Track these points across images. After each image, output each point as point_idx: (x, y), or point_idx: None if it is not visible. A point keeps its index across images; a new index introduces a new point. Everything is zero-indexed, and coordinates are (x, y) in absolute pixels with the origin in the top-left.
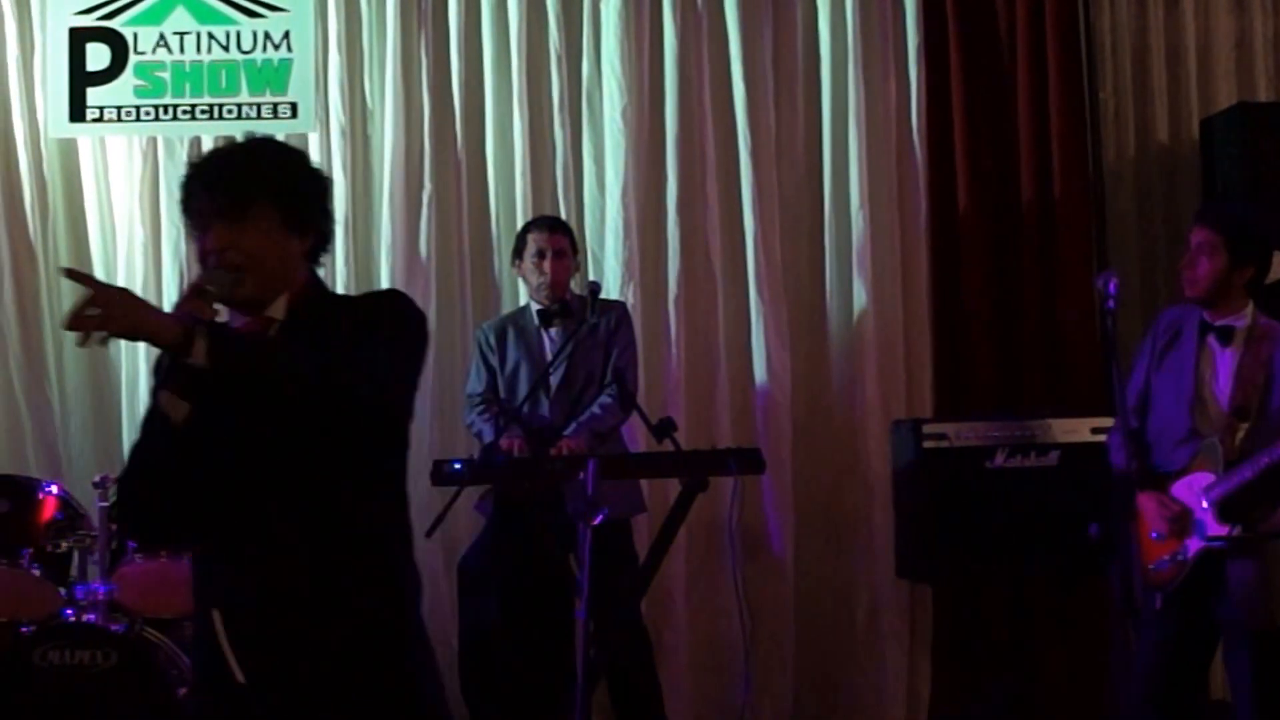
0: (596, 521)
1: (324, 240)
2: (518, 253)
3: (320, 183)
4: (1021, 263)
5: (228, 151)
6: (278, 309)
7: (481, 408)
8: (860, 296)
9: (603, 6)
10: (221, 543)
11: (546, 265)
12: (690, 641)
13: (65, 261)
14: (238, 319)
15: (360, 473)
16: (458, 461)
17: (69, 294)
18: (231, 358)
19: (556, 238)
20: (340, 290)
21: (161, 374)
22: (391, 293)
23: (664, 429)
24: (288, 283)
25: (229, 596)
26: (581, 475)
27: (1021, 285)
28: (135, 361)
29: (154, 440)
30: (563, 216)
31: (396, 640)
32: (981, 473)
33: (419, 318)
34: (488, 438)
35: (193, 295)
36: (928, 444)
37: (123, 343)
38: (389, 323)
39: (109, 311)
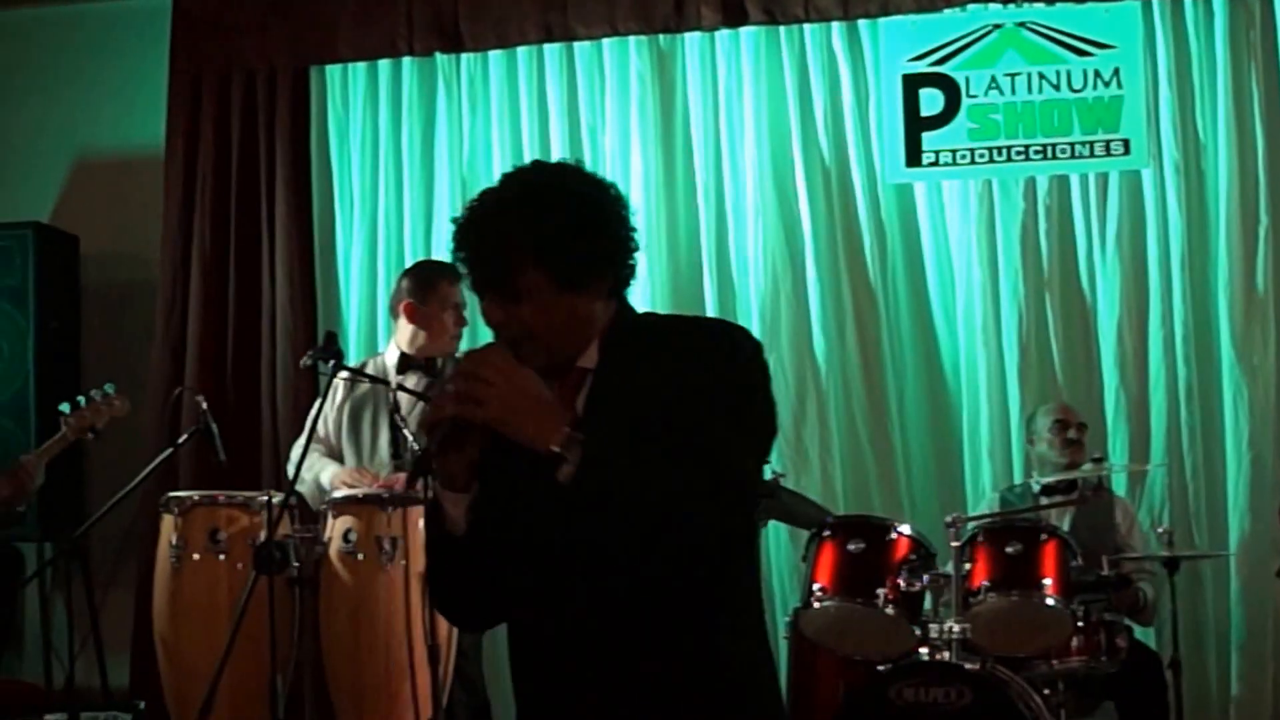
0: None
1: (625, 275)
2: None
3: (600, 225)
4: None
5: (484, 215)
6: (589, 357)
7: None
8: None
9: None
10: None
11: None
12: None
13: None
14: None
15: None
16: None
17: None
18: (597, 482)
19: None
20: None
21: (421, 469)
22: (727, 343)
23: None
24: (590, 333)
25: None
26: None
27: None
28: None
29: (437, 542)
30: None
31: None
32: None
33: (762, 368)
34: None
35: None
36: None
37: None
38: (739, 397)
39: (495, 393)
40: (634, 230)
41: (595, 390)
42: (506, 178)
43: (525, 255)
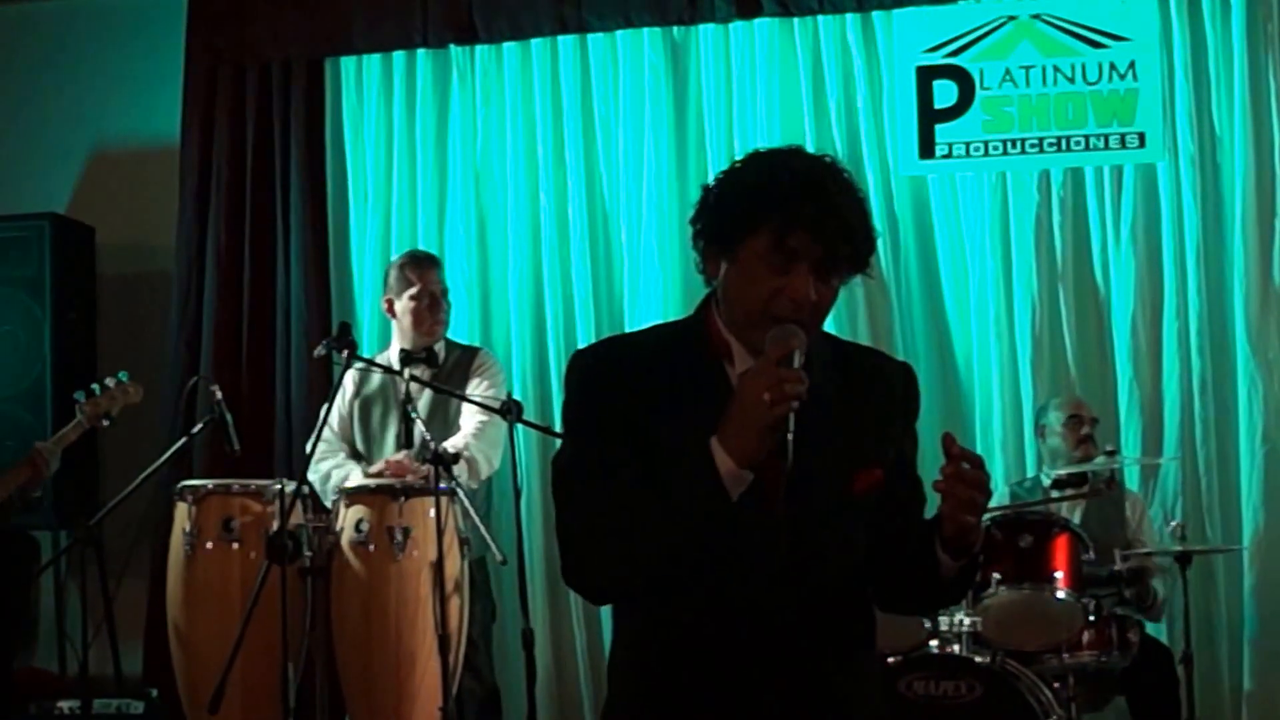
0: None
1: None
2: None
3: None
4: None
5: (848, 204)
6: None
7: None
8: None
9: None
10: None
11: None
12: None
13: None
14: (748, 358)
15: None
16: None
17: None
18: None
19: None
20: None
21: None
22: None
23: None
24: None
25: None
26: None
27: None
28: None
29: (707, 511)
30: None
31: None
32: None
33: None
34: None
35: (785, 365)
36: None
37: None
38: None
39: (966, 498)
40: None
41: (807, 404)
42: (816, 157)
43: (866, 257)
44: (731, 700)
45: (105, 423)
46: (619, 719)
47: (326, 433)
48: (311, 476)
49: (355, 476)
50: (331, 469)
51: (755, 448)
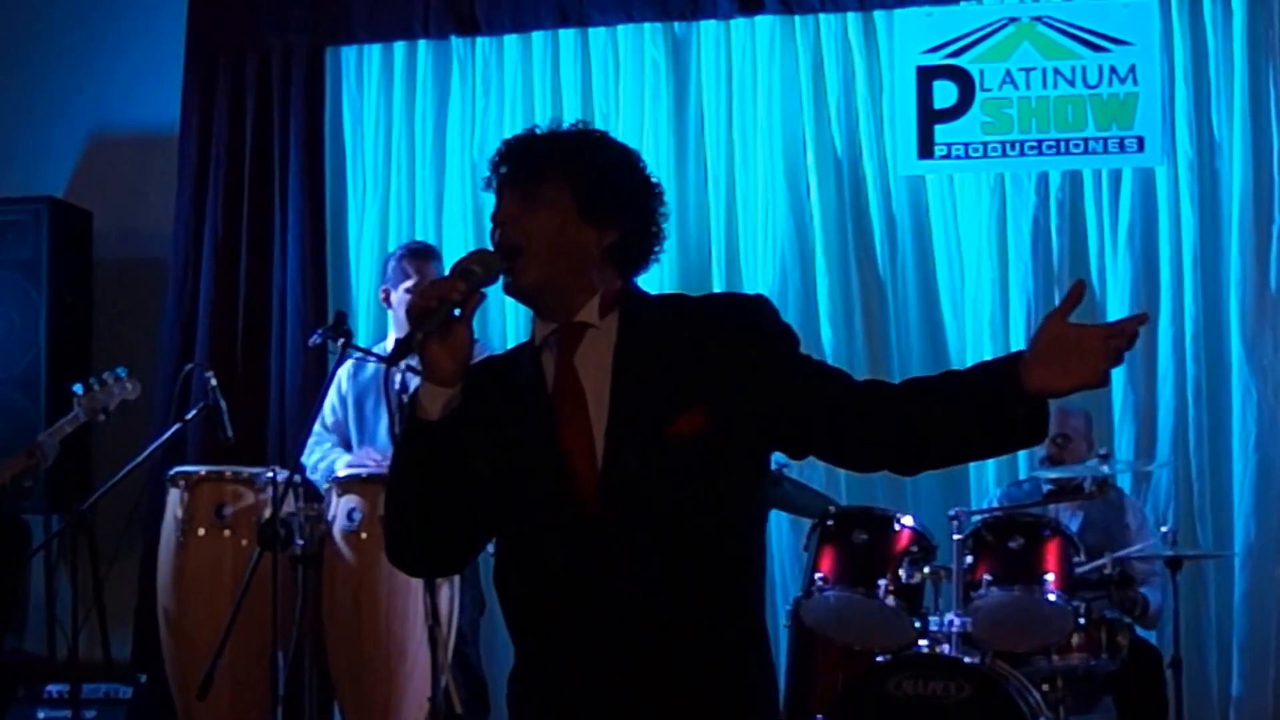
0: None
1: (637, 244)
2: None
3: (631, 175)
4: None
5: (529, 131)
6: (588, 313)
7: None
8: None
9: None
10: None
11: None
12: None
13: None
14: (545, 325)
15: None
16: None
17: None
18: None
19: None
20: None
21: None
22: (765, 301)
23: None
24: (585, 282)
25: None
26: None
27: None
28: None
29: (408, 432)
30: None
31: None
32: None
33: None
34: None
35: (455, 274)
36: None
37: None
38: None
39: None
40: (660, 215)
41: (622, 350)
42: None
43: (556, 162)
44: (591, 690)
45: (102, 417)
46: None
47: (317, 425)
48: (313, 476)
49: (340, 464)
50: (318, 461)
51: (424, 356)
